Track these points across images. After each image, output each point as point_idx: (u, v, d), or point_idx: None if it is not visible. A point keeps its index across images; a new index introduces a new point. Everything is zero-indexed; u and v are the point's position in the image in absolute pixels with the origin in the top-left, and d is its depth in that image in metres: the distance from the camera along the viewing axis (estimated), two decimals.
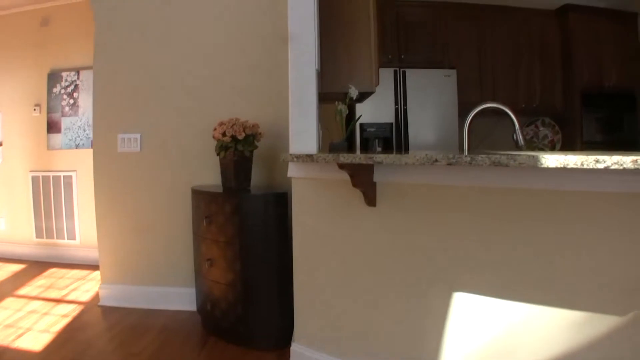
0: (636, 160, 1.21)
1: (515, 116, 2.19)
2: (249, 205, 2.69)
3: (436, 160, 1.52)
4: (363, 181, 2.03)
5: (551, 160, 1.32)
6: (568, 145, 5.33)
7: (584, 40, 5.16)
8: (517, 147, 2.21)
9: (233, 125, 2.78)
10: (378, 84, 2.76)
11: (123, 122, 3.42)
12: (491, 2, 5.06)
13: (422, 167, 1.93)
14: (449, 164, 1.51)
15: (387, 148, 4.18)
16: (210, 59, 3.35)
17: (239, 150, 2.80)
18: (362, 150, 4.05)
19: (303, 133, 2.42)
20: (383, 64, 4.43)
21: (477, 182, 1.81)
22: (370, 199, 2.09)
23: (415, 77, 4.36)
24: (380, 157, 1.71)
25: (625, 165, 1.23)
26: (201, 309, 3.05)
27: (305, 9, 2.45)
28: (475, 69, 4.97)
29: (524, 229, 1.72)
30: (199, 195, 2.94)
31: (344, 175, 2.10)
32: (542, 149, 5.46)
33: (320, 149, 2.58)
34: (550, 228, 1.67)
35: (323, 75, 2.68)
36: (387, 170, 2.03)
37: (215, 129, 2.85)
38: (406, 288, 2.04)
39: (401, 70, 4.34)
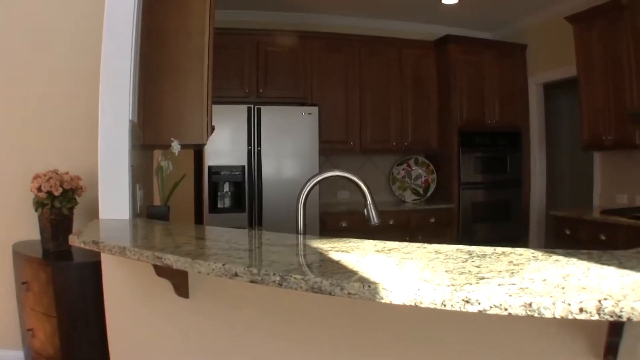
0: (529, 304, 0.89)
1: (368, 188, 1.76)
2: (64, 274, 2.42)
3: (236, 275, 1.25)
4: (168, 271, 1.70)
5: (397, 295, 0.99)
6: (444, 187, 5.07)
7: (465, 74, 4.87)
8: (371, 224, 1.90)
9: (49, 179, 2.46)
10: (212, 133, 2.52)
11: None
12: (361, 32, 4.79)
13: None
14: (253, 282, 1.21)
15: (238, 193, 3.92)
16: (36, 99, 3.04)
17: (57, 207, 2.49)
18: (210, 195, 3.77)
19: (114, 195, 2.15)
20: (237, 100, 4.16)
21: None
22: (181, 290, 1.78)
23: (272, 115, 4.08)
24: (171, 258, 1.42)
25: (511, 311, 0.90)
26: None
27: (121, 52, 2.18)
28: (342, 105, 4.67)
29: (371, 340, 1.45)
30: (17, 257, 2.64)
31: None
32: (415, 190, 5.24)
33: (139, 213, 2.31)
34: (402, 344, 1.41)
35: (147, 126, 2.42)
36: None
37: (32, 182, 2.51)
38: None
39: (256, 107, 4.05)
